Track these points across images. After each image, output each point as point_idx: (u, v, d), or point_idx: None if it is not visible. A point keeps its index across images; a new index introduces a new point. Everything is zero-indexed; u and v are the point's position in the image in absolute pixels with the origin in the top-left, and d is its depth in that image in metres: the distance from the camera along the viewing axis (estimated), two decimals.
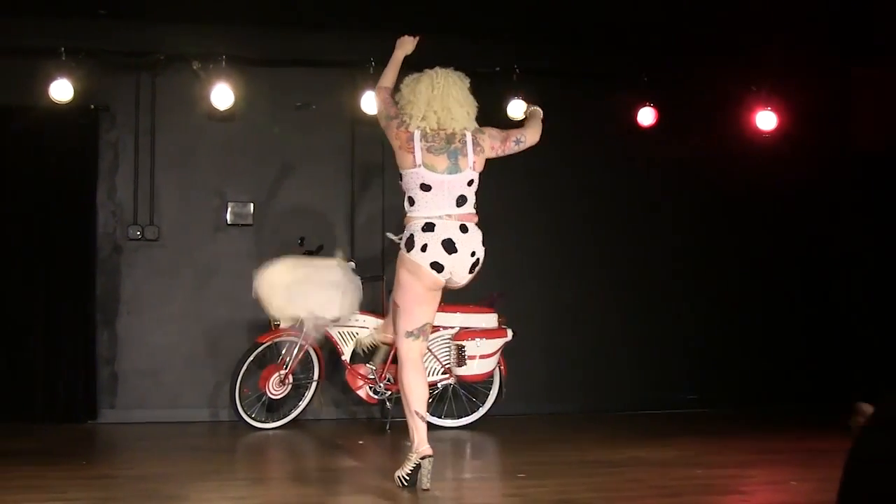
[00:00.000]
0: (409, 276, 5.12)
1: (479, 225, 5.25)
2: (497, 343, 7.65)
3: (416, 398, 5.05)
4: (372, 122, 8.64)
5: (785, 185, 9.39)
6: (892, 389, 1.18)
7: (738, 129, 9.26)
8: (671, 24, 8.42)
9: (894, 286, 9.14)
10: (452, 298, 8.03)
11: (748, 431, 7.60)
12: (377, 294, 8.38)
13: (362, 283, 8.20)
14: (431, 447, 5.03)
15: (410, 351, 5.13)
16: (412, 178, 5.16)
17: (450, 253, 5.05)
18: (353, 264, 8.03)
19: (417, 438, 5.04)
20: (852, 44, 8.94)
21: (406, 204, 5.22)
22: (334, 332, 7.88)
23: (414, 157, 5.14)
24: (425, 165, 5.13)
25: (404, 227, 5.25)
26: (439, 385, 7.99)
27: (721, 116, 9.29)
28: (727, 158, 9.28)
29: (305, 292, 7.28)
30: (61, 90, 7.88)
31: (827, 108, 9.52)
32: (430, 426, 7.81)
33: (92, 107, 8.30)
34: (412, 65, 5.83)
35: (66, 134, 8.29)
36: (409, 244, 5.12)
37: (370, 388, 7.91)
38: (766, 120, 9.15)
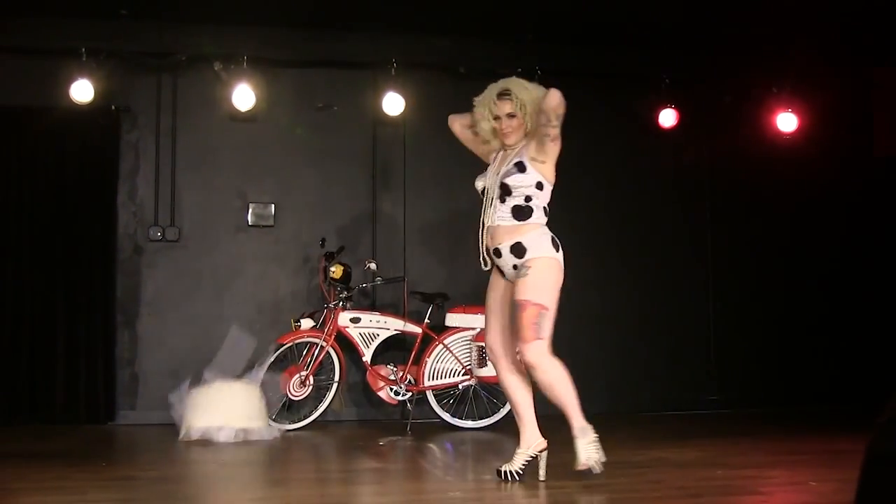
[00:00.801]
0: (560, 278, 5.20)
1: None
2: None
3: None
4: (394, 122, 8.70)
5: (806, 187, 9.37)
6: None
7: (759, 130, 9.25)
8: (692, 25, 8.40)
9: None
10: (473, 300, 8.08)
11: (769, 432, 7.57)
12: (399, 295, 8.40)
13: (385, 284, 8.24)
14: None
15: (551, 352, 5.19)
16: (550, 192, 5.29)
17: None
18: (375, 265, 8.06)
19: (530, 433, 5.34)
20: (873, 45, 8.90)
21: (540, 214, 5.22)
22: (355, 333, 7.91)
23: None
24: None
25: (529, 234, 5.18)
26: (460, 386, 8.01)
27: (742, 118, 9.27)
28: (748, 160, 9.27)
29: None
30: (82, 91, 7.93)
31: (848, 110, 9.50)
32: (451, 427, 7.87)
33: (113, 108, 8.35)
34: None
35: (87, 135, 8.34)
36: (556, 246, 5.21)
37: (391, 389, 7.94)
38: (787, 121, 9.12)
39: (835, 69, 9.27)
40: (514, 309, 5.13)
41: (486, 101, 5.31)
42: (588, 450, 5.14)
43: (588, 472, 5.09)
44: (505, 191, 5.16)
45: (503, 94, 5.26)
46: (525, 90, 5.26)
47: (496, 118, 5.26)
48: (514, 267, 5.16)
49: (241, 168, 8.67)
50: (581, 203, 8.94)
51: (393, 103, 8.44)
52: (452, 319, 8.01)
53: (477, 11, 8.16)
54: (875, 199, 9.51)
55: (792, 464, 5.99)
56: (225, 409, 7.26)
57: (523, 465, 5.28)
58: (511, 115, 5.24)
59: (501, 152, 5.36)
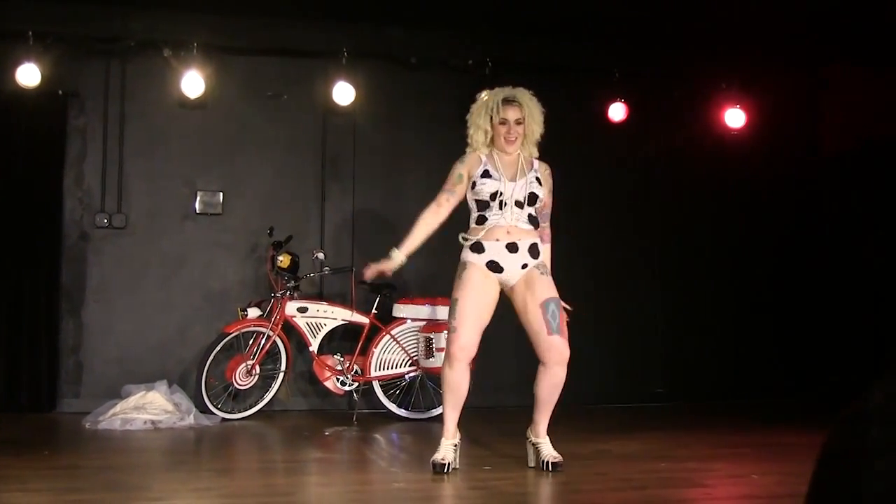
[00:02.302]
0: None
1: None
2: None
3: None
4: (344, 112, 8.65)
5: (754, 183, 9.47)
6: (874, 382, 1.19)
7: (708, 126, 9.32)
8: (643, 20, 8.43)
9: (861, 283, 9.21)
10: (420, 291, 8.07)
11: (714, 425, 7.64)
12: (346, 285, 8.36)
13: (332, 274, 8.21)
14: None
15: None
16: None
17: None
18: (322, 255, 8.03)
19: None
20: (822, 43, 8.99)
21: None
22: (302, 323, 7.88)
23: None
24: None
25: (538, 240, 5.44)
26: (407, 377, 8.00)
27: (691, 113, 9.34)
28: (697, 155, 9.34)
29: None
30: (28, 75, 7.80)
31: (796, 108, 9.62)
32: (396, 417, 7.87)
33: (60, 92, 8.23)
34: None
35: (33, 120, 8.21)
36: None
37: (337, 379, 7.92)
38: (735, 118, 9.20)
39: (784, 67, 9.36)
40: (545, 308, 5.26)
41: (486, 108, 5.38)
42: (552, 447, 5.36)
43: (547, 465, 5.23)
44: (531, 201, 5.34)
45: (510, 100, 5.39)
46: (531, 102, 5.45)
47: (502, 123, 5.34)
48: (524, 266, 5.30)
49: (189, 155, 8.59)
50: None
51: (343, 93, 8.40)
52: (400, 310, 8.00)
53: (429, 2, 8.15)
54: (822, 196, 9.63)
55: (735, 456, 6.06)
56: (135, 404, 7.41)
57: (455, 455, 5.37)
58: (519, 122, 5.38)
59: (497, 156, 5.41)
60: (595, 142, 9.20)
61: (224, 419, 7.66)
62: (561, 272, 9.09)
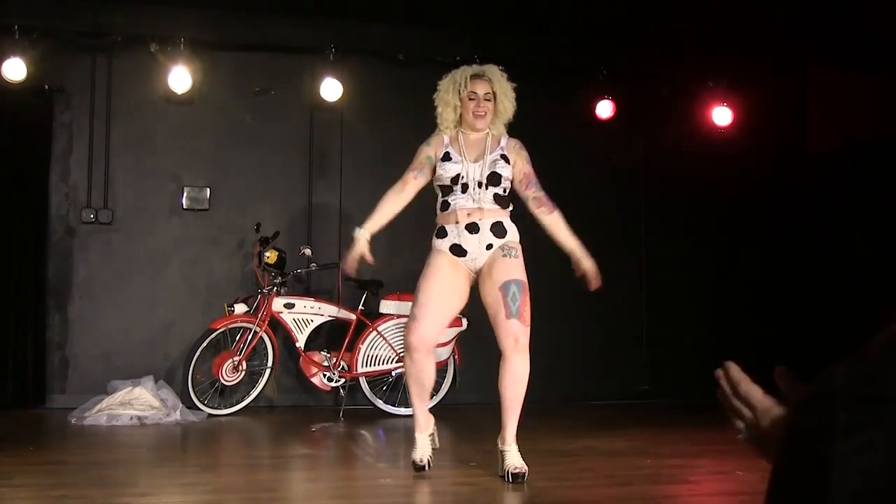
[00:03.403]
0: None
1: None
2: (451, 332, 7.67)
3: None
4: (331, 108, 8.65)
5: (740, 181, 9.50)
6: (834, 365, 1.20)
7: (695, 124, 9.35)
8: (630, 18, 8.45)
9: (847, 281, 9.23)
10: (407, 287, 8.07)
11: (699, 422, 7.65)
12: (333, 281, 8.36)
13: (319, 270, 8.22)
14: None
15: None
16: None
17: None
18: (309, 251, 8.03)
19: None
20: (809, 42, 9.03)
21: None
22: (289, 319, 7.87)
23: None
24: None
25: (507, 218, 5.28)
26: (393, 373, 8.01)
27: (679, 111, 9.36)
28: (683, 153, 9.36)
29: None
30: (14, 69, 7.78)
31: (783, 106, 9.64)
32: (384, 414, 7.87)
33: (46, 87, 8.20)
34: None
35: (19, 114, 8.18)
36: None
37: (324, 375, 7.92)
38: (722, 116, 9.23)
39: (770, 66, 9.39)
40: (505, 290, 5.00)
41: (454, 84, 5.18)
42: (520, 456, 5.01)
43: (508, 476, 4.90)
44: (493, 180, 5.10)
45: (479, 75, 5.19)
46: (501, 77, 5.23)
47: (471, 97, 5.13)
48: (489, 247, 5.08)
49: (176, 151, 8.57)
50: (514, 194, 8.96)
51: (330, 89, 8.40)
52: (387, 306, 8.01)
53: None
54: (808, 195, 9.65)
55: (720, 453, 6.07)
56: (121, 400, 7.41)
57: (432, 444, 5.22)
58: (488, 97, 5.17)
59: (462, 137, 5.20)
60: (582, 139, 9.21)
61: (210, 415, 7.65)
62: (546, 269, 9.13)
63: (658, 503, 4.50)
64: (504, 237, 5.14)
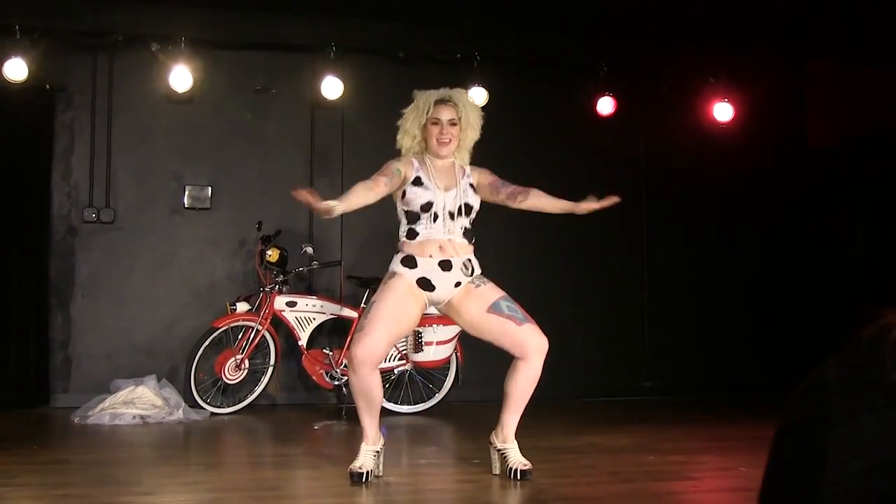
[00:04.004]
0: None
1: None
2: (454, 330, 7.66)
3: None
4: (332, 106, 8.65)
5: (741, 177, 9.48)
6: (830, 357, 1.20)
7: (696, 119, 9.33)
8: (630, 14, 8.45)
9: (846, 276, 9.24)
10: None
11: (701, 418, 7.67)
12: (335, 279, 8.37)
13: (321, 268, 8.22)
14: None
15: None
16: None
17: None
18: (311, 249, 8.03)
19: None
20: (808, 37, 9.03)
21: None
22: (291, 317, 7.88)
23: None
24: None
25: (471, 254, 5.08)
26: (395, 371, 8.01)
27: (679, 107, 9.35)
28: (684, 149, 9.34)
29: None
30: (15, 69, 7.76)
31: (784, 102, 9.63)
32: (386, 412, 7.87)
33: (47, 87, 8.19)
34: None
35: (20, 114, 8.16)
36: None
37: (326, 373, 7.92)
38: (723, 111, 9.22)
39: (771, 62, 9.38)
40: (496, 309, 4.89)
41: (416, 111, 5.06)
42: (520, 453, 5.00)
43: (515, 473, 4.88)
44: (466, 211, 4.98)
45: (445, 100, 5.05)
46: (468, 104, 5.12)
47: (434, 123, 5.00)
48: (457, 284, 4.94)
49: (177, 150, 8.57)
50: None
51: (331, 87, 8.39)
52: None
53: None
54: (808, 190, 9.65)
55: (722, 449, 6.08)
56: (124, 399, 7.43)
57: (376, 461, 4.99)
58: (453, 123, 5.02)
59: (430, 162, 5.07)
60: (583, 136, 9.21)
61: (213, 414, 7.65)
62: (545, 266, 9.16)
63: (661, 500, 4.50)
64: (472, 274, 5.01)
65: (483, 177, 5.15)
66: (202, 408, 7.62)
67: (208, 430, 7.12)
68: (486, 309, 4.89)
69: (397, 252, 5.03)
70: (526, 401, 4.97)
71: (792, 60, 9.52)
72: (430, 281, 4.90)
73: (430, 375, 8.12)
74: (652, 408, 8.45)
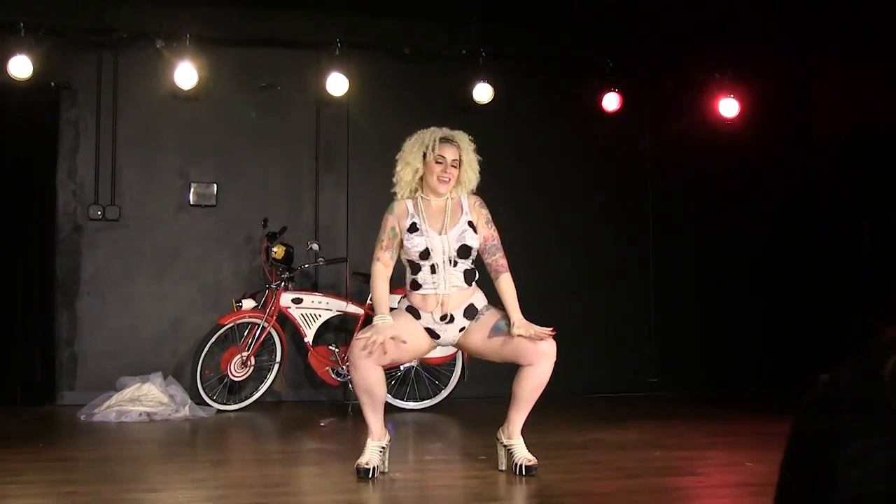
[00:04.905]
0: None
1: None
2: None
3: None
4: (337, 103, 8.65)
5: (746, 172, 9.49)
6: (838, 367, 1.20)
7: (702, 115, 9.33)
8: (636, 10, 8.44)
9: (853, 271, 9.22)
10: None
11: (707, 415, 7.66)
12: (341, 276, 8.37)
13: (327, 265, 8.22)
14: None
15: None
16: None
17: None
18: (317, 246, 8.04)
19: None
20: (813, 32, 9.01)
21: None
22: (297, 314, 7.88)
23: None
24: None
25: (476, 294, 5.07)
26: (402, 368, 8.01)
27: (684, 102, 9.34)
28: (690, 144, 9.35)
29: None
30: (20, 67, 7.78)
31: (789, 96, 9.63)
32: (392, 408, 7.87)
33: (52, 84, 8.22)
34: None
35: (26, 112, 8.19)
36: None
37: (332, 370, 7.92)
38: (728, 107, 9.21)
39: (776, 56, 9.37)
40: (496, 331, 4.90)
41: (420, 144, 5.01)
42: (526, 449, 5.02)
43: (521, 469, 4.90)
44: (462, 253, 4.94)
45: (449, 140, 5.02)
46: (469, 146, 5.07)
47: (438, 161, 4.96)
48: (461, 329, 4.97)
49: (182, 147, 8.58)
50: (523, 186, 8.97)
51: (336, 84, 8.39)
52: (395, 301, 7.98)
53: None
54: (814, 185, 9.64)
55: (729, 445, 6.07)
56: (130, 396, 7.45)
57: (382, 457, 5.01)
58: (455, 164, 5.00)
59: (423, 204, 5.04)
60: (589, 132, 9.21)
61: (219, 411, 7.67)
62: (552, 263, 9.15)
63: (667, 495, 4.50)
64: (475, 316, 5.01)
65: (481, 224, 5.07)
66: (208, 405, 7.63)
67: (214, 427, 7.12)
68: (486, 336, 4.92)
69: (404, 296, 5.10)
70: (533, 402, 4.96)
71: (797, 55, 9.51)
72: (434, 331, 5.00)
73: (436, 372, 8.12)
74: (658, 404, 8.44)
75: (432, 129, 5.07)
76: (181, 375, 8.07)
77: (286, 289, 7.91)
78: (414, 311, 5.00)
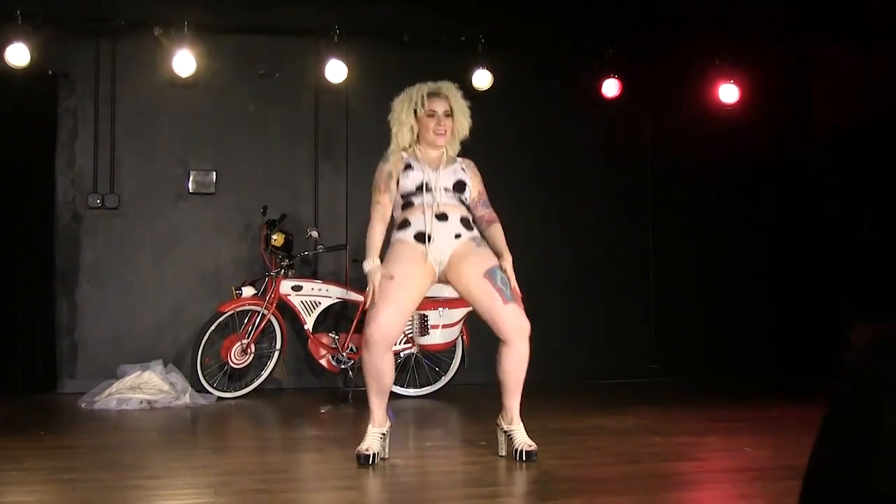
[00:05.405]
0: None
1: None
2: (460, 312, 7.68)
3: None
4: (336, 90, 8.64)
5: (746, 159, 9.50)
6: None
7: (701, 101, 9.32)
8: None
9: (852, 258, 9.23)
10: None
11: (707, 400, 7.68)
12: (341, 263, 8.38)
13: (327, 252, 8.23)
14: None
15: None
16: None
17: None
18: (316, 233, 8.04)
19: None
20: (813, 19, 9.00)
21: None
22: (296, 301, 7.89)
23: None
24: None
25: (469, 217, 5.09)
26: (402, 354, 8.02)
27: (685, 89, 9.35)
28: (690, 131, 9.34)
29: None
30: (17, 55, 7.77)
31: (789, 83, 9.63)
32: (393, 395, 7.88)
33: (50, 73, 8.21)
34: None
35: (23, 100, 8.18)
36: None
37: (333, 357, 7.93)
38: (728, 93, 9.20)
39: (777, 44, 9.36)
40: (492, 276, 4.85)
41: (409, 102, 5.06)
42: (526, 435, 5.01)
43: (521, 454, 4.90)
44: (458, 187, 4.99)
45: (436, 93, 5.06)
46: (457, 94, 5.09)
47: (430, 115, 5.01)
48: (457, 236, 4.93)
49: (181, 135, 8.58)
50: (521, 171, 8.97)
51: (335, 71, 8.38)
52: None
53: None
54: (813, 173, 9.64)
55: (728, 431, 6.08)
56: (130, 384, 7.47)
57: (383, 444, 5.00)
58: (447, 115, 5.04)
59: (419, 153, 5.07)
60: (588, 119, 9.21)
61: (220, 398, 7.69)
62: (552, 249, 9.15)
63: (667, 480, 4.51)
64: (472, 230, 5.02)
65: (475, 181, 5.14)
66: (209, 392, 7.65)
67: (215, 414, 7.14)
68: (482, 273, 4.87)
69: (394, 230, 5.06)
70: (520, 383, 4.96)
71: (797, 44, 9.50)
72: (425, 233, 4.91)
73: (436, 359, 8.14)
74: (658, 390, 8.46)
75: (417, 85, 5.12)
76: (181, 363, 8.09)
77: (286, 276, 7.91)
78: (405, 223, 4.98)
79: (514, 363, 4.90)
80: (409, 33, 8.73)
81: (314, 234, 8.04)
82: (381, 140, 8.87)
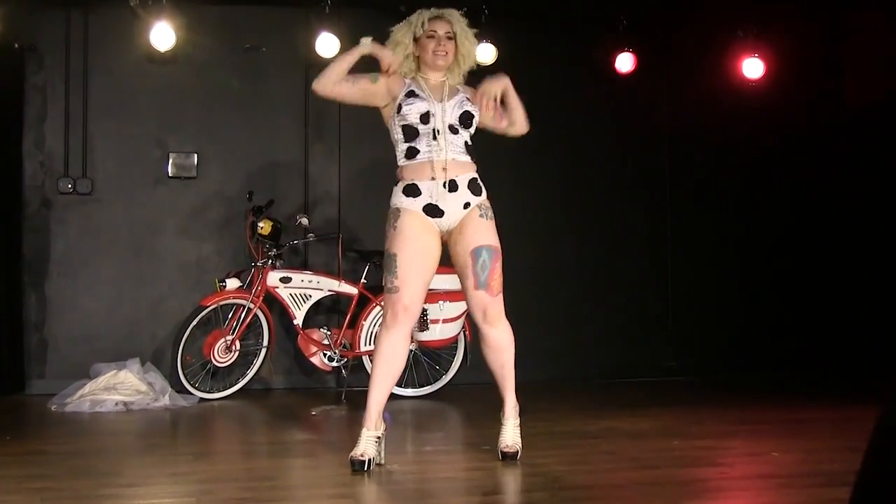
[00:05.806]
0: None
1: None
2: (462, 306, 7.65)
3: None
4: (327, 65, 8.59)
5: (772, 139, 9.47)
6: None
7: (724, 77, 9.30)
8: None
9: (886, 247, 9.20)
10: None
11: (728, 400, 7.67)
12: (333, 253, 8.36)
13: (318, 241, 8.21)
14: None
15: None
16: None
17: None
18: (307, 220, 8.01)
19: None
20: None
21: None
22: (285, 294, 7.88)
23: None
24: None
25: (475, 173, 5.12)
26: None
27: (705, 63, 9.31)
28: (711, 109, 9.31)
29: None
30: None
31: (819, 56, 9.60)
32: (390, 395, 7.86)
33: (16, 46, 8.18)
34: None
35: None
36: None
37: (324, 354, 7.93)
38: (753, 68, 9.18)
39: (804, 12, 9.32)
40: (476, 256, 4.93)
41: (409, 26, 5.19)
42: (517, 433, 5.10)
43: (509, 455, 5.00)
44: (465, 122, 5.04)
45: (438, 17, 5.16)
46: (461, 20, 5.18)
47: (430, 36, 5.10)
48: (466, 205, 4.97)
49: (159, 114, 8.56)
50: (529, 154, 8.93)
51: (327, 44, 8.36)
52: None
53: None
54: (844, 154, 9.60)
55: (752, 433, 6.07)
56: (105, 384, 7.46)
57: (378, 448, 4.96)
58: (449, 37, 5.12)
59: (421, 80, 5.15)
60: (600, 96, 9.18)
61: (202, 399, 7.68)
62: (561, 239, 9.13)
63: (687, 487, 4.50)
64: (480, 195, 5.06)
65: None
66: (190, 393, 7.64)
67: (197, 416, 7.13)
68: (470, 250, 4.95)
69: (397, 182, 5.06)
70: (507, 373, 5.12)
71: (827, 11, 9.46)
72: (437, 206, 4.95)
73: (436, 356, 8.13)
74: (676, 389, 8.46)
75: (420, 10, 5.24)
76: (160, 361, 8.08)
77: (273, 267, 7.90)
78: (412, 189, 4.97)
79: (494, 353, 5.10)
80: (405, 3, 8.68)
81: (304, 221, 8.02)
82: (376, 119, 8.86)
